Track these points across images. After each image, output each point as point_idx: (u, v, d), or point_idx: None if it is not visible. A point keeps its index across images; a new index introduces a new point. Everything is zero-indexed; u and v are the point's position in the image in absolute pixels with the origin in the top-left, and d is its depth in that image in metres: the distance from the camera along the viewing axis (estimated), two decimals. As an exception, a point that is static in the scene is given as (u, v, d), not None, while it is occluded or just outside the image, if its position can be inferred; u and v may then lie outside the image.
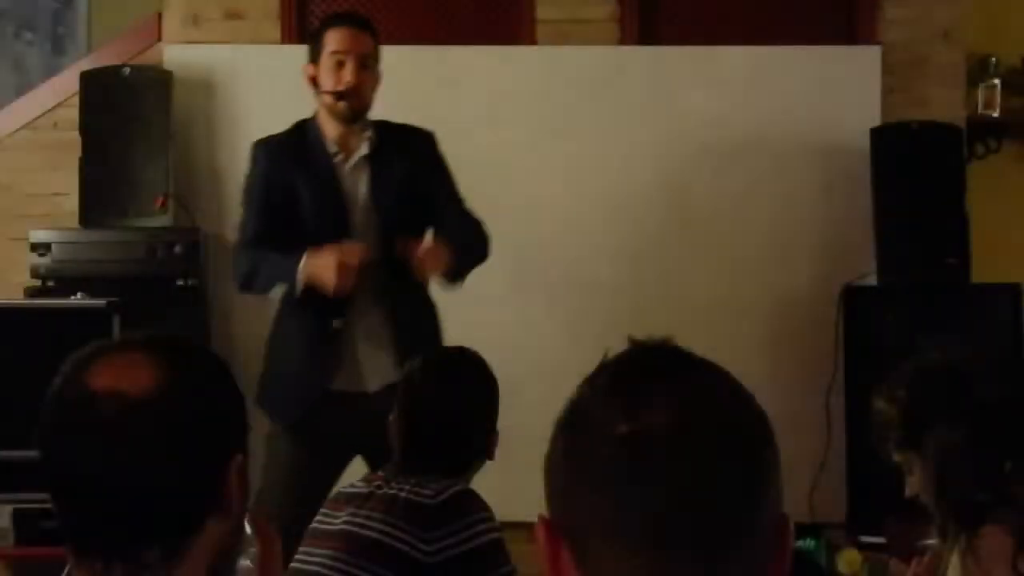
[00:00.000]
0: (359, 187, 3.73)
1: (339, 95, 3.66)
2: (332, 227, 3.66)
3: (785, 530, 1.08)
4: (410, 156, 3.75)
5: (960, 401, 2.52)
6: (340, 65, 3.68)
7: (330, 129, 3.73)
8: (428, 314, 3.79)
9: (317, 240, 3.61)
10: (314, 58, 3.73)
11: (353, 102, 3.68)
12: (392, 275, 3.65)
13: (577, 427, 1.07)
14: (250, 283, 3.74)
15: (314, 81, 3.72)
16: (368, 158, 3.72)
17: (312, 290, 3.54)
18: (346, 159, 3.73)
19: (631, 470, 1.02)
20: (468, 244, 3.73)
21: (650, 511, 1.01)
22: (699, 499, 1.02)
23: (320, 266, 3.52)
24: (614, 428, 1.03)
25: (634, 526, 1.02)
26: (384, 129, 3.78)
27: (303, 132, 3.77)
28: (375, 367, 3.63)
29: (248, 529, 1.55)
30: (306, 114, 4.87)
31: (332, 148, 3.72)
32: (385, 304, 3.68)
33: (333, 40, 3.71)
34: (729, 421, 1.05)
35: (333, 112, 3.71)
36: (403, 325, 3.67)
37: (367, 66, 3.71)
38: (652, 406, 1.03)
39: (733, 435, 1.05)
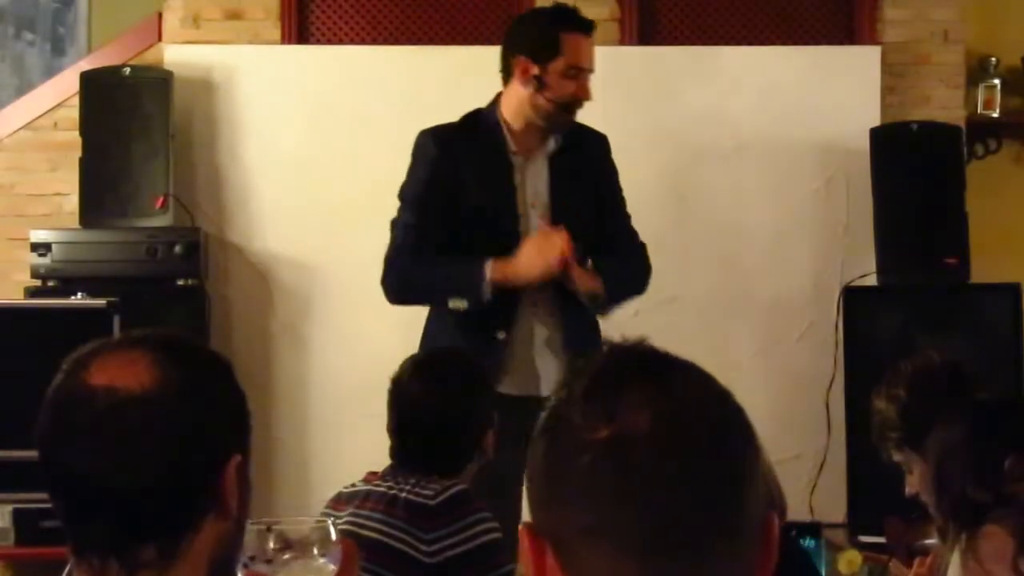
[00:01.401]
0: (537, 186, 3.56)
1: (567, 107, 3.50)
2: (500, 227, 3.49)
3: (770, 527, 1.08)
4: (588, 158, 3.60)
5: (960, 400, 2.52)
6: (575, 77, 3.49)
7: (517, 124, 3.55)
8: (595, 333, 3.61)
9: (479, 241, 3.46)
10: (539, 57, 3.49)
11: (572, 116, 3.54)
12: (560, 289, 3.52)
13: (557, 433, 1.06)
14: (410, 296, 3.56)
15: (536, 79, 3.49)
16: (549, 159, 3.57)
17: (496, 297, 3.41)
18: (526, 157, 3.56)
19: (613, 475, 1.01)
20: (626, 280, 3.60)
21: (633, 515, 1.01)
22: (682, 501, 1.02)
23: (523, 263, 3.38)
24: (594, 433, 1.02)
25: (618, 530, 1.02)
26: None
27: (475, 123, 3.58)
28: (548, 371, 3.51)
29: (332, 534, 1.59)
30: (306, 114, 4.89)
31: (512, 145, 3.54)
32: (557, 307, 3.54)
33: (574, 50, 3.49)
34: (709, 421, 1.05)
35: (548, 118, 3.51)
36: (573, 328, 3.53)
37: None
38: (631, 410, 1.03)
39: (713, 435, 1.05)
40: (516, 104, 3.55)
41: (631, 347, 1.10)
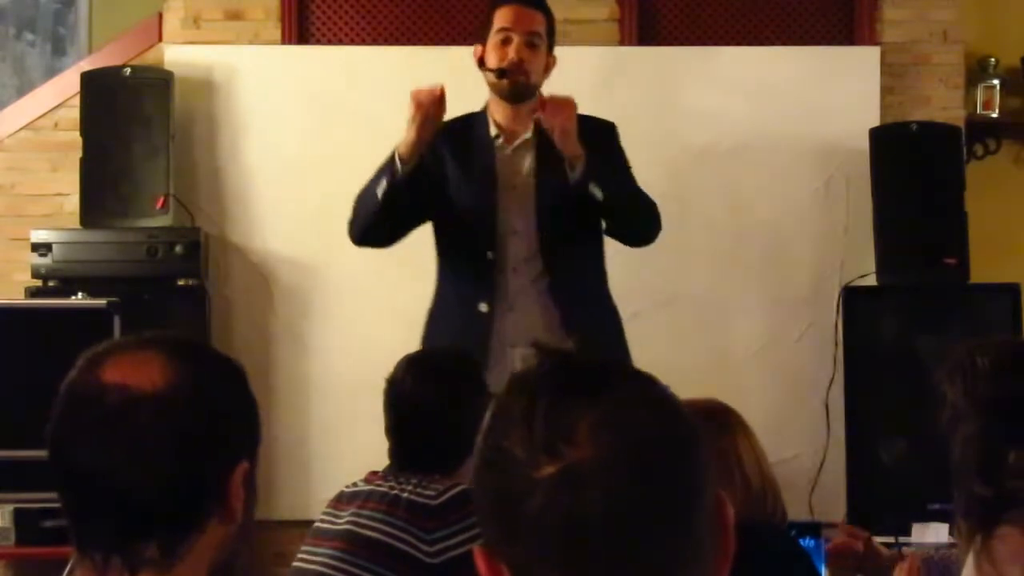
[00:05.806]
0: (520, 169, 3.63)
1: (501, 72, 3.56)
2: (477, 205, 3.57)
3: (723, 511, 1.07)
4: (582, 144, 3.58)
5: (975, 396, 2.50)
6: (505, 42, 3.57)
7: (498, 112, 3.64)
8: (599, 310, 3.65)
9: (459, 218, 3.57)
10: (482, 37, 3.64)
11: (515, 79, 3.57)
12: (551, 267, 3.56)
13: (500, 468, 1.04)
14: (358, 217, 3.62)
15: (481, 61, 3.62)
16: (535, 142, 3.62)
17: (413, 175, 3.47)
18: (509, 142, 3.63)
19: (564, 510, 1.00)
20: (628, 191, 3.61)
21: (588, 543, 1.01)
22: (636, 523, 1.01)
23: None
24: (539, 471, 1.01)
25: (574, 559, 1.01)
26: None
27: (471, 118, 3.69)
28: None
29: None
30: (307, 114, 4.90)
31: (494, 131, 3.63)
32: (542, 298, 3.55)
33: (500, 17, 3.60)
34: (654, 436, 1.03)
35: (495, 90, 3.62)
36: (565, 321, 3.52)
37: (534, 44, 3.59)
38: (573, 440, 1.01)
39: (660, 450, 1.03)
40: (489, 92, 3.67)
41: (564, 360, 1.07)
